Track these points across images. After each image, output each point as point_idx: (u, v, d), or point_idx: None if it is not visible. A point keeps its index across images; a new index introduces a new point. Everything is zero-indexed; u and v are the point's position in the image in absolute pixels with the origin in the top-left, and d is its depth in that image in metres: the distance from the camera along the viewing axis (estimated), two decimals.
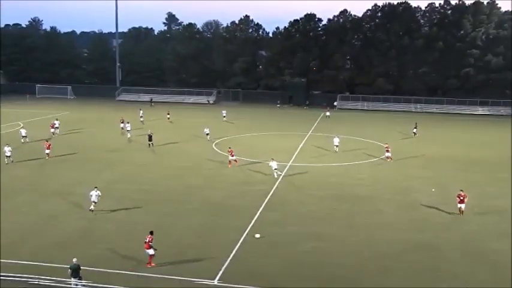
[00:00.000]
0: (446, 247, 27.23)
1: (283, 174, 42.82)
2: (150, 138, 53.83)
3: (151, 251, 24.06)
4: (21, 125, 65.13)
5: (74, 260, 21.60)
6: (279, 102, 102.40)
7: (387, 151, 49.43)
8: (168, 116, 76.48)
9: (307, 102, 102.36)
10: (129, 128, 59.49)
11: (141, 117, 71.75)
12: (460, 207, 32.46)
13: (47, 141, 48.81)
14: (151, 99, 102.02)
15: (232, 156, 44.90)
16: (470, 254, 26.53)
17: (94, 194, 31.78)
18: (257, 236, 27.86)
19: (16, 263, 23.92)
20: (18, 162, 44.95)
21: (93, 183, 38.69)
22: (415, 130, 65.38)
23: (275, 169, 41.37)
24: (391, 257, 25.85)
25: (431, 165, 47.84)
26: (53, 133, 59.71)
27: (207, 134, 58.47)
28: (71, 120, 72.57)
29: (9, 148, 44.86)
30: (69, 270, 21.34)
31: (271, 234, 28.73)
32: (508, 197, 36.91)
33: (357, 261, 25.25)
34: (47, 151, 46.86)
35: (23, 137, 54.80)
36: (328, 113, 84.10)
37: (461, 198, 32.48)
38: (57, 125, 61.26)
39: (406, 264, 25.00)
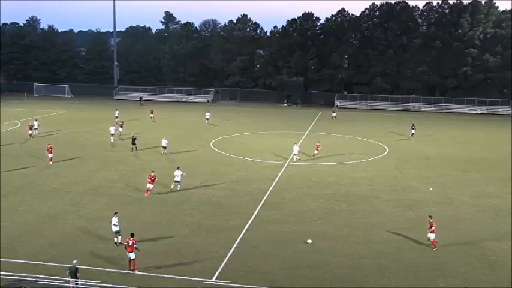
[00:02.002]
0: (445, 246, 27.19)
1: (280, 172, 42.81)
2: (133, 141, 50.46)
3: (132, 255, 23.19)
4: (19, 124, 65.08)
5: (74, 261, 21.55)
6: (285, 101, 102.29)
7: (316, 148, 50.30)
8: (152, 115, 73.76)
9: (299, 101, 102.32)
10: (112, 132, 55.47)
11: (116, 117, 69.88)
12: (429, 238, 26.94)
13: (49, 144, 45.87)
14: (141, 98, 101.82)
15: (152, 184, 35.51)
16: (470, 253, 26.51)
17: (114, 223, 26.57)
18: (309, 241, 27.34)
19: (14, 262, 23.84)
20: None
21: (91, 182, 38.81)
22: (413, 131, 63.70)
23: (176, 181, 36.81)
24: (390, 256, 25.83)
25: (429, 165, 47.84)
26: (31, 135, 56.09)
27: (164, 148, 49.29)
28: (68, 119, 72.54)
29: None
30: (68, 271, 21.31)
31: (269, 233, 28.73)
32: (507, 196, 36.92)
33: (355, 261, 25.22)
34: (50, 155, 44.32)
35: None
36: (334, 114, 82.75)
37: (430, 225, 27.02)
38: (36, 126, 58.26)
39: (405, 264, 24.98)
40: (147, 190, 35.36)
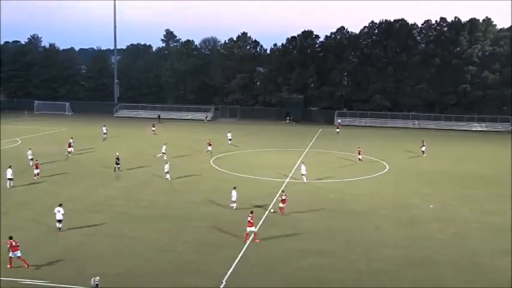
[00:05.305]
0: (445, 264, 27.09)
1: (281, 189, 42.72)
2: (116, 161, 48.70)
3: (19, 253, 24.90)
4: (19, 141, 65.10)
5: (97, 278, 21.78)
6: (287, 118, 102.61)
7: (359, 153, 56.24)
8: (153, 128, 79.06)
9: (290, 118, 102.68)
10: (164, 150, 55.26)
11: (105, 133, 70.52)
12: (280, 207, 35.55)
13: (36, 160, 46.77)
14: (159, 116, 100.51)
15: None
16: (470, 271, 26.39)
17: (57, 212, 30.43)
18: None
19: (14, 280, 23.70)
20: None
21: (90, 198, 38.77)
22: (423, 148, 62.46)
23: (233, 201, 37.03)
24: (390, 274, 25.70)
25: (430, 182, 47.76)
26: (69, 152, 56.71)
27: (167, 172, 46.02)
28: (68, 137, 72.47)
29: (11, 171, 41.72)
30: None
31: (270, 250, 28.64)
32: (507, 213, 36.83)
33: (355, 278, 25.11)
34: (36, 171, 44.97)
35: None
36: (338, 129, 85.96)
37: (283, 198, 35.69)
38: (71, 143, 58.05)
39: (405, 281, 24.85)
40: (249, 234, 30.23)
